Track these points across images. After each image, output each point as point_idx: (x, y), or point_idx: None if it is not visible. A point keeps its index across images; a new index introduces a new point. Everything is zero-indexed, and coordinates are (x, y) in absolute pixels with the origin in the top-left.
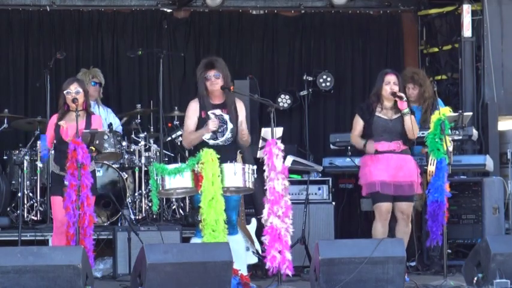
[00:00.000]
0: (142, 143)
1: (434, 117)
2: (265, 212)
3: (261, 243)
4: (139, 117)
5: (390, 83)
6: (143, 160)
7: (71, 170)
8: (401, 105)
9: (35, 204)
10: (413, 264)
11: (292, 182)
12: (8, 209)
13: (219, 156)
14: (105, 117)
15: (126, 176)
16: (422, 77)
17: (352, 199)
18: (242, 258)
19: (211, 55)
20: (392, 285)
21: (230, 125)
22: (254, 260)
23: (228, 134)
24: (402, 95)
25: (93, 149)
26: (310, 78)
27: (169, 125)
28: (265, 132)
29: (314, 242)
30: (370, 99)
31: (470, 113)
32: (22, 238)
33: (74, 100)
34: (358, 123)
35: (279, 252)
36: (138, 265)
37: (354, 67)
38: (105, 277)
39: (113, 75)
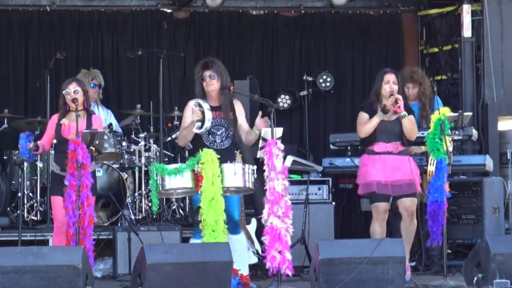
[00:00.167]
0: (142, 143)
1: (434, 117)
2: (265, 212)
3: (261, 243)
4: (139, 118)
5: (390, 82)
6: (143, 160)
7: (71, 170)
8: (398, 109)
9: (35, 204)
10: (413, 264)
11: (292, 182)
12: (8, 209)
13: (218, 156)
14: (104, 118)
15: (126, 176)
16: (421, 76)
17: (352, 199)
18: (244, 258)
19: (211, 55)
20: (392, 285)
21: (227, 129)
22: (254, 260)
23: (224, 138)
24: (399, 97)
25: (93, 149)
26: (310, 79)
27: (169, 125)
28: (265, 132)
29: (314, 242)
30: (370, 98)
31: (470, 113)
32: (22, 238)
33: (74, 100)
34: (364, 117)
35: (279, 252)
36: (138, 265)
37: (353, 67)
38: (105, 277)
39: (113, 76)
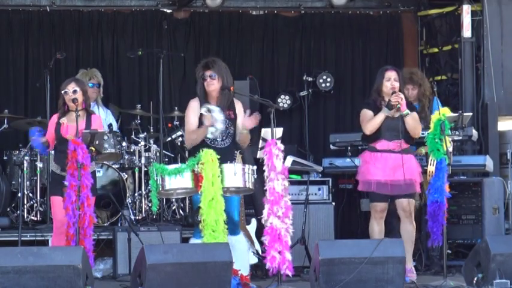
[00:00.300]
0: (142, 143)
1: (434, 118)
2: (265, 212)
3: (261, 243)
4: (139, 118)
5: (391, 79)
6: (143, 160)
7: (71, 171)
8: (401, 107)
9: (35, 204)
10: (413, 264)
11: (292, 183)
12: (8, 209)
13: (218, 156)
14: (104, 118)
15: (126, 176)
16: (421, 77)
17: (352, 199)
18: (244, 259)
19: (211, 55)
20: (392, 285)
21: (227, 128)
22: (254, 260)
23: (224, 137)
24: (401, 96)
25: (93, 149)
26: (310, 79)
27: (169, 125)
28: (265, 132)
29: (314, 242)
30: (371, 96)
31: (470, 114)
32: (22, 238)
33: (74, 100)
34: (368, 114)
35: (279, 252)
36: (138, 265)
37: (353, 67)
38: (105, 277)
39: (113, 76)
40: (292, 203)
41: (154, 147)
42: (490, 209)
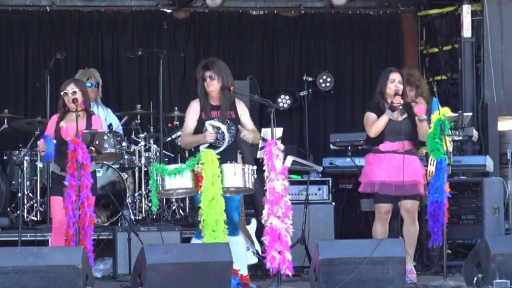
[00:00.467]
0: (142, 143)
1: (434, 118)
2: (265, 212)
3: (261, 243)
4: (139, 118)
5: (395, 81)
6: (143, 160)
7: (71, 171)
8: (419, 110)
9: (35, 204)
10: (413, 264)
11: (292, 182)
12: (8, 209)
13: (218, 157)
14: (104, 118)
15: (126, 176)
16: (418, 78)
17: (352, 199)
18: (243, 259)
19: (211, 55)
20: (392, 285)
21: (227, 135)
22: (254, 260)
23: (225, 142)
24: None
25: (93, 149)
26: (310, 79)
27: (169, 125)
28: (265, 132)
29: (314, 242)
30: (375, 98)
31: (470, 114)
32: (22, 238)
33: (74, 100)
34: (372, 116)
35: (279, 252)
36: (138, 265)
37: (353, 67)
38: (105, 277)
39: (112, 76)
40: (292, 203)
41: (154, 147)
42: (490, 209)
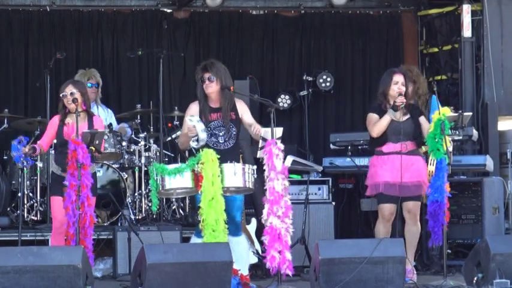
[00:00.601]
0: (142, 143)
1: (434, 117)
2: (265, 212)
3: (261, 243)
4: (139, 117)
5: (398, 83)
6: (143, 160)
7: (71, 170)
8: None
9: (35, 204)
10: (413, 264)
11: (292, 182)
12: (8, 209)
13: (219, 156)
14: (105, 118)
15: (126, 176)
16: (416, 74)
17: (352, 199)
18: (245, 260)
19: (211, 55)
20: (392, 285)
21: (227, 131)
22: (254, 260)
23: (226, 139)
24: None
25: (93, 149)
26: (310, 78)
27: (169, 125)
28: (265, 132)
29: (314, 242)
30: (377, 99)
31: (470, 113)
32: (22, 238)
33: (74, 100)
34: (374, 117)
35: (279, 252)
36: (138, 265)
37: (353, 67)
38: (105, 277)
39: (112, 76)
40: (292, 203)
41: (154, 146)
42: (490, 209)
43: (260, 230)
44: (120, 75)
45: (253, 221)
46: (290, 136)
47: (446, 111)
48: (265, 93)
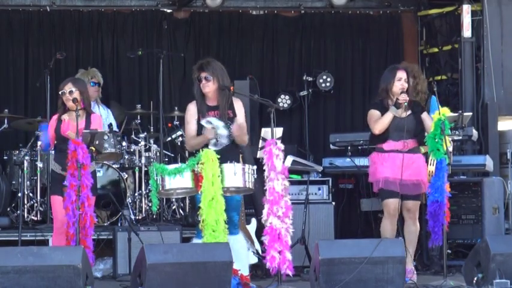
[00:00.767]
0: (143, 143)
1: (434, 117)
2: (265, 212)
3: (261, 243)
4: (139, 117)
5: (402, 79)
6: (143, 160)
7: (71, 170)
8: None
9: (35, 204)
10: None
11: (292, 182)
12: (8, 209)
13: (219, 156)
14: (105, 117)
15: (126, 176)
16: (417, 70)
17: (352, 199)
18: (244, 258)
19: (211, 55)
20: (392, 285)
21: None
22: (254, 260)
23: (223, 139)
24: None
25: (93, 149)
26: (310, 79)
27: (169, 125)
28: (265, 132)
29: (314, 242)
30: (379, 96)
31: (470, 113)
32: (22, 238)
33: (74, 100)
34: (376, 114)
35: (279, 252)
36: (138, 265)
37: (353, 67)
38: (105, 277)
39: (113, 76)
40: (292, 203)
41: (154, 147)
42: (490, 209)
43: (260, 230)
44: (120, 75)
45: (253, 221)
46: (290, 136)
47: (446, 112)
48: (265, 93)
